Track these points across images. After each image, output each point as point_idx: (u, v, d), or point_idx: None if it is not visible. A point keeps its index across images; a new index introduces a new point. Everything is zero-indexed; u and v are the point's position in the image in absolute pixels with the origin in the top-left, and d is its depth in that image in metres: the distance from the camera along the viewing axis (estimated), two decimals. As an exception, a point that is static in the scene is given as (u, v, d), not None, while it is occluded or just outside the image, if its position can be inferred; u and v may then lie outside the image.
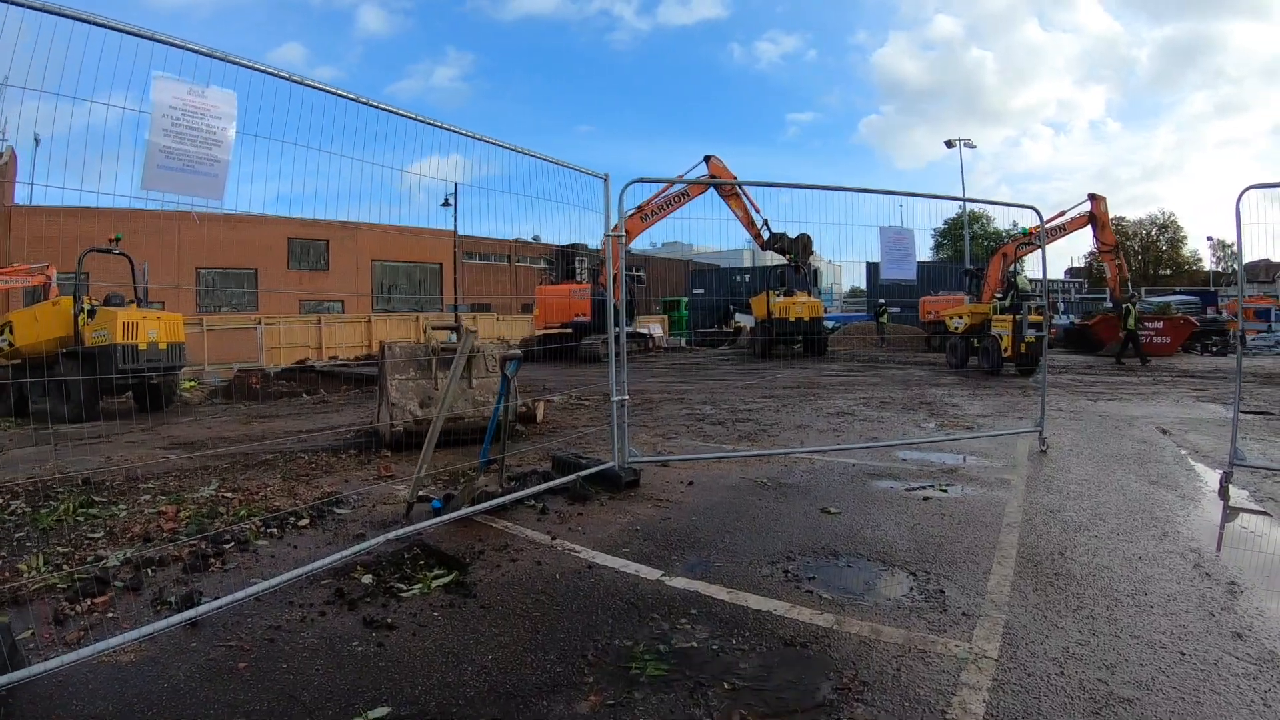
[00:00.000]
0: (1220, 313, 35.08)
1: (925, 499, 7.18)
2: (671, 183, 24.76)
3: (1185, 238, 67.30)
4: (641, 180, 8.00)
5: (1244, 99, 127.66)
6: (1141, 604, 4.71)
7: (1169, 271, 64.95)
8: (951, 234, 58.04)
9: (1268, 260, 57.37)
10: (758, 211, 25.60)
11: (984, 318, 22.06)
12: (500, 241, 55.31)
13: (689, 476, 8.17)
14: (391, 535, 5.57)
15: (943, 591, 4.94)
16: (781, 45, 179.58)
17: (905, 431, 11.02)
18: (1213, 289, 48.07)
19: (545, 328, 31.45)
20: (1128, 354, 23.96)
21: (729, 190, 25.36)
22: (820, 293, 40.33)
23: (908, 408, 13.50)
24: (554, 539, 5.94)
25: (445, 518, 6.10)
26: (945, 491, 7.46)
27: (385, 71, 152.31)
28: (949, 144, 46.75)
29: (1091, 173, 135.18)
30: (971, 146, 46.46)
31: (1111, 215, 28.06)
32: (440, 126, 6.09)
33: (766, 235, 26.39)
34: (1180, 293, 43.51)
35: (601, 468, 7.55)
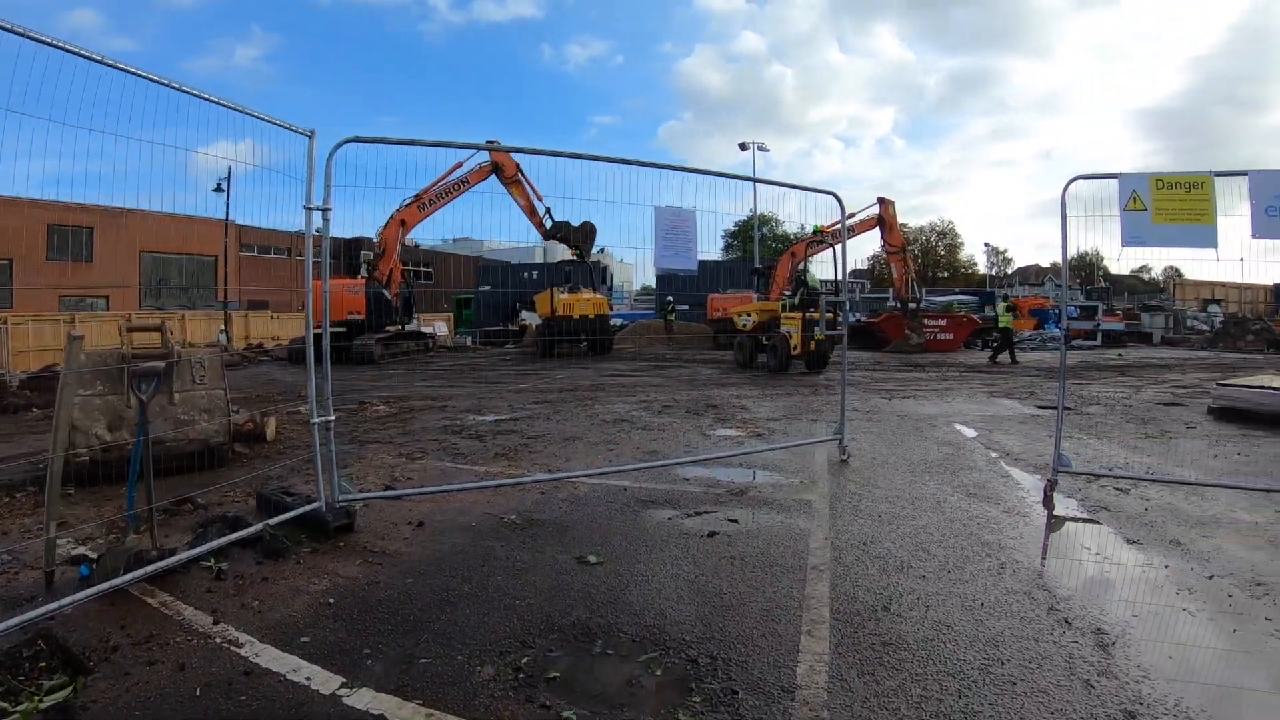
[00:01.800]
0: (997, 310, 37.82)
1: (711, 535, 5.82)
2: (450, 171, 22.74)
3: (962, 244, 74.18)
4: (358, 140, 6.05)
5: (1019, 126, 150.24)
6: (1000, 681, 3.59)
7: (947, 274, 71.06)
8: (742, 235, 59.73)
9: (1038, 265, 64.19)
10: (540, 199, 24.14)
11: (772, 315, 21.90)
12: (281, 234, 50.29)
13: (422, 513, 6.46)
14: (14, 621, 4.04)
15: (734, 692, 3.49)
16: (591, 49, 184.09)
17: (689, 441, 9.78)
18: (990, 289, 52.41)
19: (316, 327, 28.30)
20: (1000, 352, 24.37)
21: (510, 176, 24.17)
22: (610, 290, 39.59)
23: (693, 411, 12.39)
24: (217, 622, 4.43)
25: (91, 590, 4.61)
26: (735, 522, 6.15)
27: (184, 46, 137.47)
28: (743, 146, 48.09)
29: (876, 183, 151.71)
30: (765, 150, 48.24)
31: (898, 220, 29.42)
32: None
33: (549, 224, 25.03)
34: (961, 292, 46.86)
35: (305, 509, 5.95)
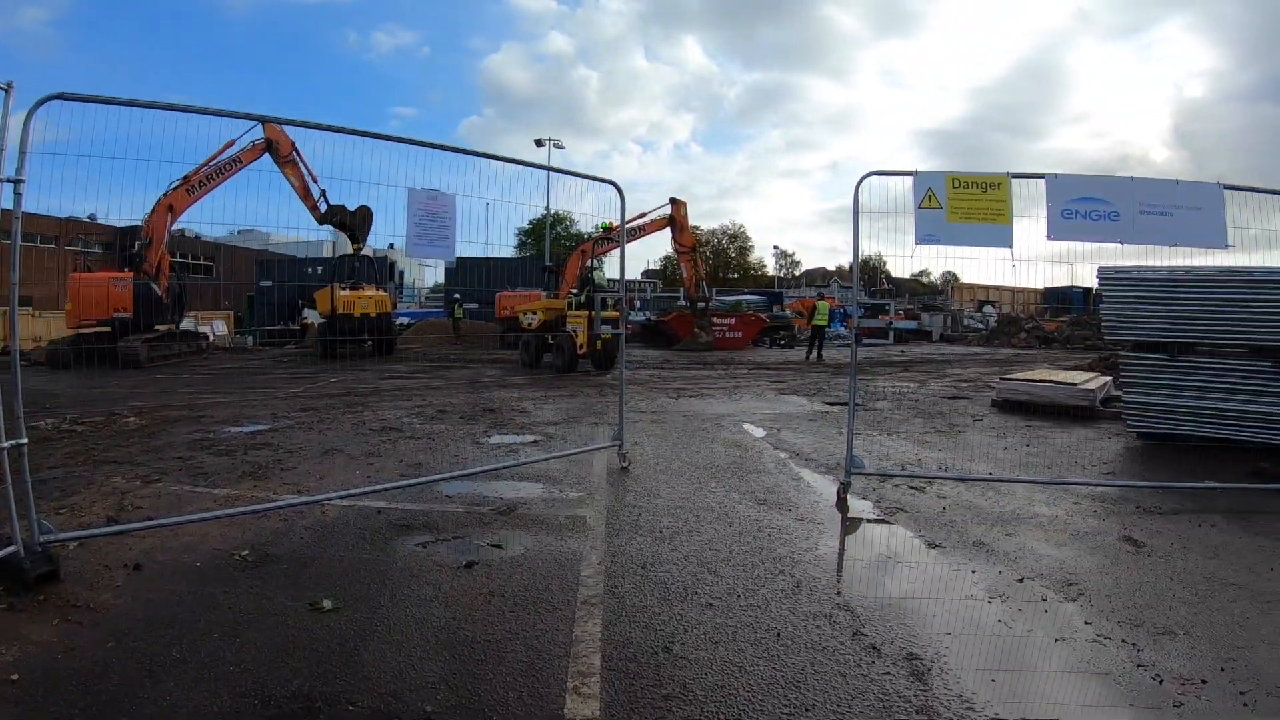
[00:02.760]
0: (784, 310, 39.31)
1: (469, 566, 4.93)
2: (222, 150, 20.49)
3: (753, 247, 77.33)
4: (62, 97, 4.61)
5: (811, 139, 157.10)
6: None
7: (737, 275, 73.65)
8: (536, 232, 58.98)
9: (824, 268, 67.86)
10: (315, 181, 22.13)
11: (559, 313, 21.27)
12: (47, 219, 43.30)
13: (142, 551, 5.11)
14: None
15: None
16: (399, 39, 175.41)
17: (459, 452, 8.80)
18: (778, 290, 54.67)
19: (80, 325, 24.48)
20: (814, 349, 25.03)
21: (285, 156, 22.08)
22: (400, 288, 37.54)
23: (469, 417, 11.40)
24: None
25: None
26: (499, 548, 5.30)
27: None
28: (539, 143, 47.38)
29: (672, 187, 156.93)
30: (560, 147, 47.96)
31: (690, 222, 29.74)
32: None
33: (324, 208, 23.02)
34: (750, 293, 48.47)
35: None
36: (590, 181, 8.18)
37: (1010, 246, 6.41)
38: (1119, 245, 6.61)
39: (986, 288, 50.39)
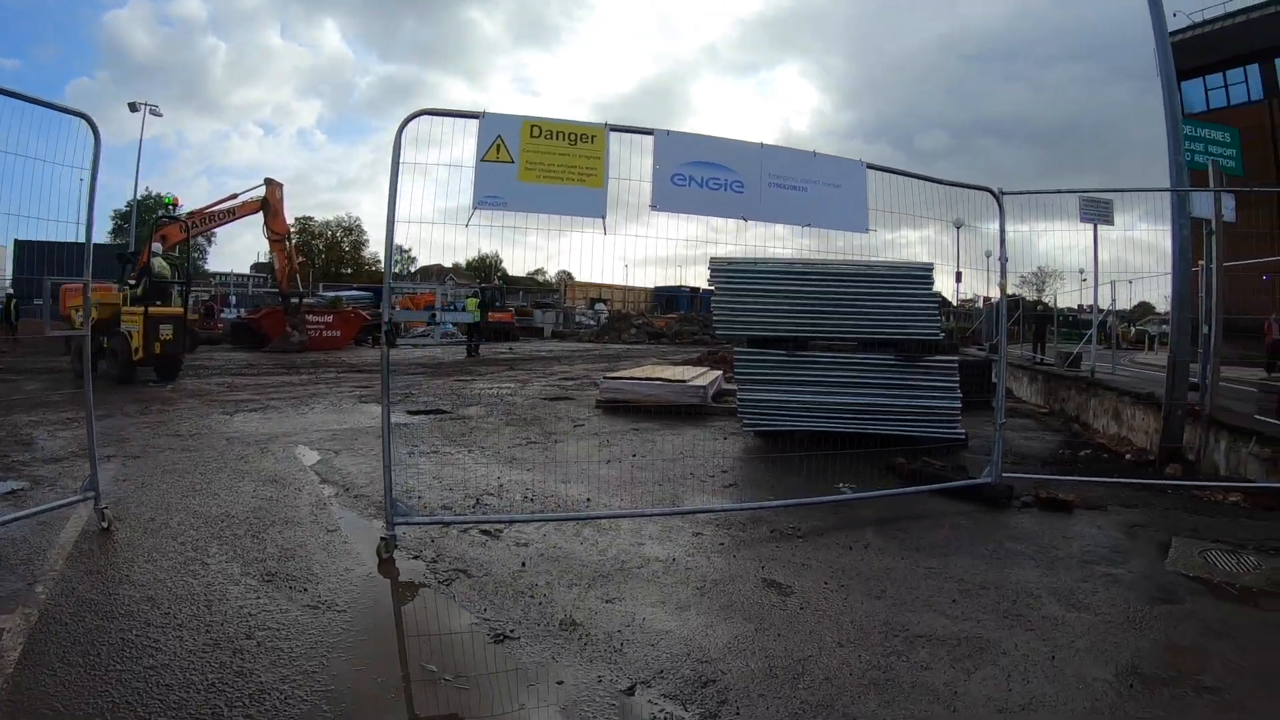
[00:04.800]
0: (395, 307, 36.75)
1: None
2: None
3: (368, 241, 72.79)
4: None
5: (435, 137, 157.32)
6: None
7: (351, 270, 68.87)
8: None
9: (439, 265, 65.40)
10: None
11: (114, 310, 16.89)
12: None
13: None
14: None
15: None
16: None
17: None
18: (391, 285, 51.46)
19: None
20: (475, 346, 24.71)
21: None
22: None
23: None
24: None
25: None
26: None
27: None
28: (133, 107, 39.55)
29: (291, 174, 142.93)
30: (158, 114, 40.33)
31: (303, 215, 26.43)
32: None
33: None
34: (356, 288, 45.10)
35: None
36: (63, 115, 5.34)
37: (603, 216, 4.97)
38: (741, 223, 5.48)
39: (599, 285, 51.75)
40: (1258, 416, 9.83)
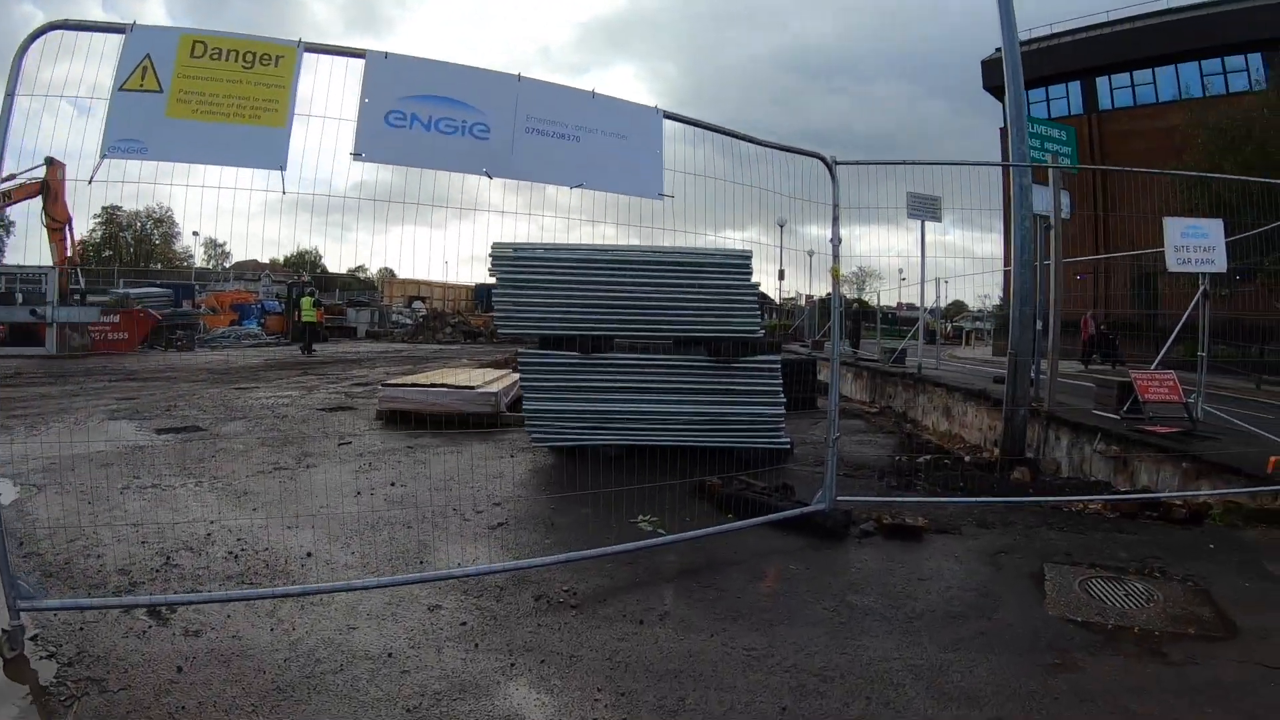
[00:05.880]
0: (198, 306, 33.39)
1: None
2: None
3: (180, 234, 67.49)
4: None
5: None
6: None
7: (160, 265, 63.49)
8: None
9: (255, 260, 60.90)
10: None
11: None
12: None
13: None
14: None
15: None
16: None
17: None
18: (195, 283, 47.36)
19: None
20: (309, 345, 24.13)
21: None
22: None
23: None
24: None
25: None
26: None
27: None
28: None
29: (89, 155, 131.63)
30: None
31: (108, 204, 23.19)
32: None
33: None
34: (158, 285, 40.96)
35: None
36: None
37: (282, 167, 3.48)
38: (484, 180, 4.05)
39: (418, 283, 49.01)
40: (1096, 411, 9.44)
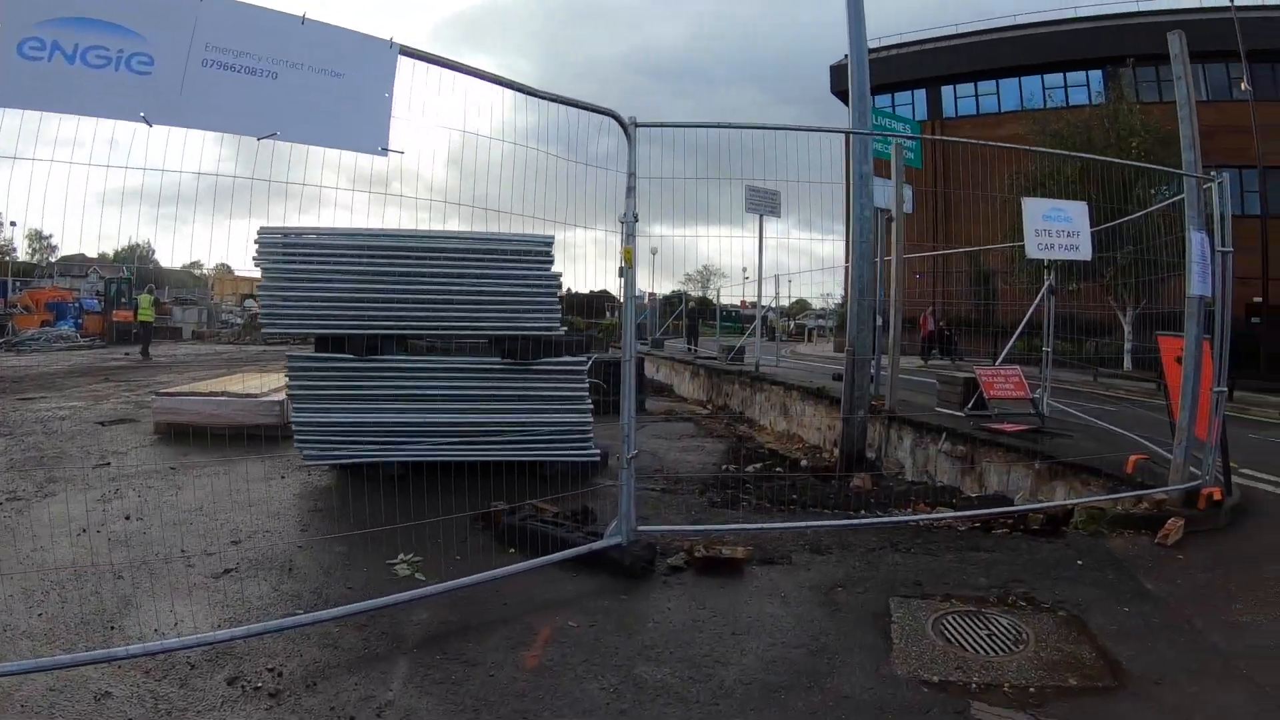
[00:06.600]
0: (13, 306, 29.92)
1: None
2: None
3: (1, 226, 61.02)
4: None
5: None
6: None
7: (-23, 260, 57.44)
8: None
9: (83, 255, 55.54)
10: None
11: None
12: None
13: None
14: None
15: None
16: None
17: None
18: (8, 279, 42.82)
19: None
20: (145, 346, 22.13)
21: None
22: None
23: None
24: None
25: None
26: None
27: None
28: None
29: None
30: None
31: None
32: None
33: None
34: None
35: None
36: None
37: None
38: (144, 126, 2.88)
39: (251, 280, 45.91)
40: (940, 409, 9.03)
